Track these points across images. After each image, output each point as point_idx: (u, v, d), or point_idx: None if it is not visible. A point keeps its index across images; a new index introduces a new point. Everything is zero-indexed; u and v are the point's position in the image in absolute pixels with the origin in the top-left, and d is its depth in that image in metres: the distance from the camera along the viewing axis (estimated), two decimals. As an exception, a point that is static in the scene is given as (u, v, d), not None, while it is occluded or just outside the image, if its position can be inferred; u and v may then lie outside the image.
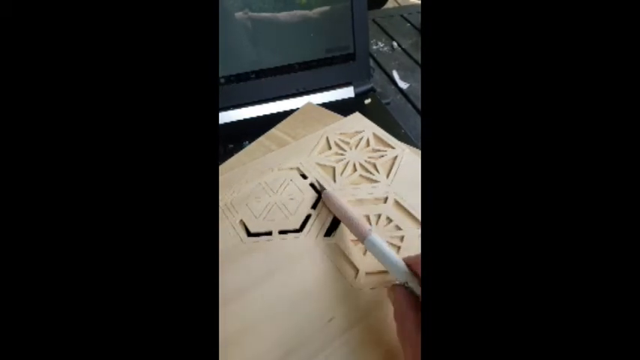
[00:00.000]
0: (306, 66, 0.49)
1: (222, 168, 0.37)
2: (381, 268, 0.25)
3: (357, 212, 0.29)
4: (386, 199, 0.33)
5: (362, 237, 0.26)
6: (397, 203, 0.32)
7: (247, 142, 0.41)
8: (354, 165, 0.36)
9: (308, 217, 0.32)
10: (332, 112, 0.44)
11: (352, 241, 0.29)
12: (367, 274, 0.27)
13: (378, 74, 0.60)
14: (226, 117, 0.48)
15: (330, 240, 0.30)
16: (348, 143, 0.39)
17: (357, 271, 0.27)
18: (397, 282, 0.24)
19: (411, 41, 0.68)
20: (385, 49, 0.66)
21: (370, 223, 0.31)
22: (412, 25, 0.74)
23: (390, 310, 0.23)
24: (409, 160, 0.37)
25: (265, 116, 0.49)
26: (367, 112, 0.43)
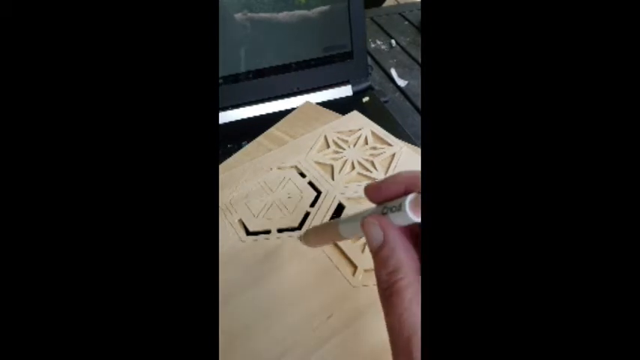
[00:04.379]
0: (304, 65, 0.49)
1: (221, 167, 0.37)
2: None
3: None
4: (384, 197, 0.33)
5: (337, 231, 0.21)
6: (395, 201, 0.32)
7: (246, 141, 0.41)
8: (353, 163, 0.37)
9: (307, 215, 0.32)
10: (330, 111, 0.44)
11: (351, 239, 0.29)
12: (365, 271, 0.27)
13: (376, 72, 0.60)
14: (225, 117, 0.48)
15: (329, 238, 0.30)
16: (346, 141, 0.39)
17: (355, 268, 0.28)
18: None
19: (409, 39, 0.68)
20: (383, 47, 0.67)
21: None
22: (410, 22, 0.74)
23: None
24: (407, 157, 0.37)
25: (264, 116, 0.49)
26: (365, 111, 0.43)
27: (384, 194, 0.18)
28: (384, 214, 0.17)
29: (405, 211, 0.16)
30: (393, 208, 0.17)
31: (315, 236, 0.25)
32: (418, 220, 0.16)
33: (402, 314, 0.15)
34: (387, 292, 0.16)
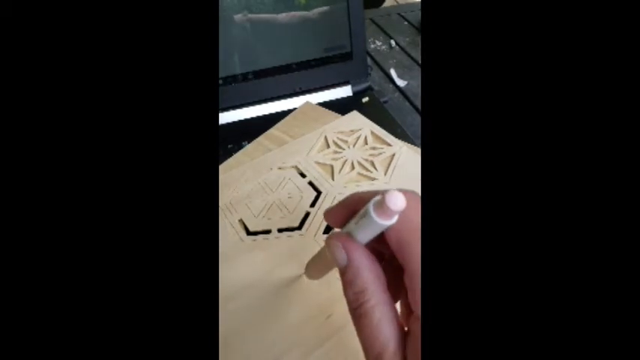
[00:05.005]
0: (304, 66, 0.49)
1: (221, 168, 0.37)
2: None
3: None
4: (384, 197, 0.33)
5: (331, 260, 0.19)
6: (395, 200, 0.33)
7: (246, 142, 0.41)
8: (353, 163, 0.37)
9: (307, 215, 0.32)
10: (330, 111, 0.44)
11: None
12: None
13: (375, 73, 0.60)
14: (225, 117, 0.48)
15: (329, 238, 0.30)
16: (346, 142, 0.39)
17: (355, 267, 0.28)
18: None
19: (409, 39, 0.68)
20: (383, 47, 0.67)
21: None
22: (410, 23, 0.74)
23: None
24: (407, 157, 0.37)
25: (264, 116, 0.49)
26: (365, 111, 0.43)
27: (339, 217, 0.19)
28: (356, 224, 0.17)
29: (370, 215, 0.15)
30: (361, 215, 0.16)
31: (313, 266, 0.24)
32: (386, 223, 0.15)
33: (372, 333, 0.16)
34: (357, 312, 0.16)
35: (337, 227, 0.19)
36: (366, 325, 0.16)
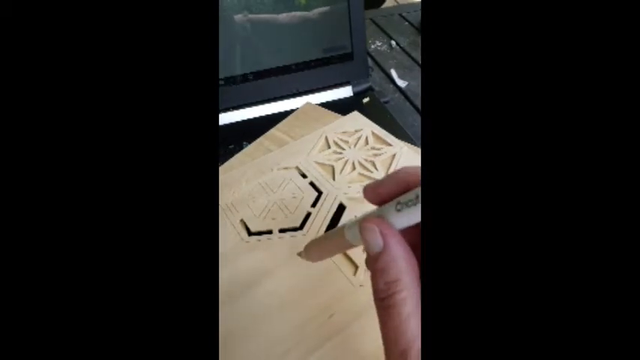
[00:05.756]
0: (304, 66, 0.49)
1: (222, 168, 0.38)
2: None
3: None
4: (385, 197, 0.33)
5: (342, 237, 0.20)
6: (396, 200, 0.33)
7: (247, 142, 0.41)
8: (353, 163, 0.37)
9: (308, 215, 0.32)
10: (331, 112, 0.44)
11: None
12: (367, 270, 0.27)
13: (376, 73, 0.60)
14: (226, 118, 0.48)
15: (330, 238, 0.30)
16: (347, 142, 0.39)
17: (356, 267, 0.28)
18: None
19: (409, 40, 0.68)
20: (383, 48, 0.67)
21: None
22: (410, 23, 0.74)
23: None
24: (408, 157, 0.37)
25: (265, 117, 0.49)
26: (366, 111, 0.43)
27: (383, 195, 0.17)
28: (398, 210, 0.15)
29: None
30: (409, 203, 0.15)
31: (319, 248, 0.23)
32: None
33: (399, 327, 0.14)
34: (385, 303, 0.15)
35: (376, 204, 0.18)
36: (394, 317, 0.15)
